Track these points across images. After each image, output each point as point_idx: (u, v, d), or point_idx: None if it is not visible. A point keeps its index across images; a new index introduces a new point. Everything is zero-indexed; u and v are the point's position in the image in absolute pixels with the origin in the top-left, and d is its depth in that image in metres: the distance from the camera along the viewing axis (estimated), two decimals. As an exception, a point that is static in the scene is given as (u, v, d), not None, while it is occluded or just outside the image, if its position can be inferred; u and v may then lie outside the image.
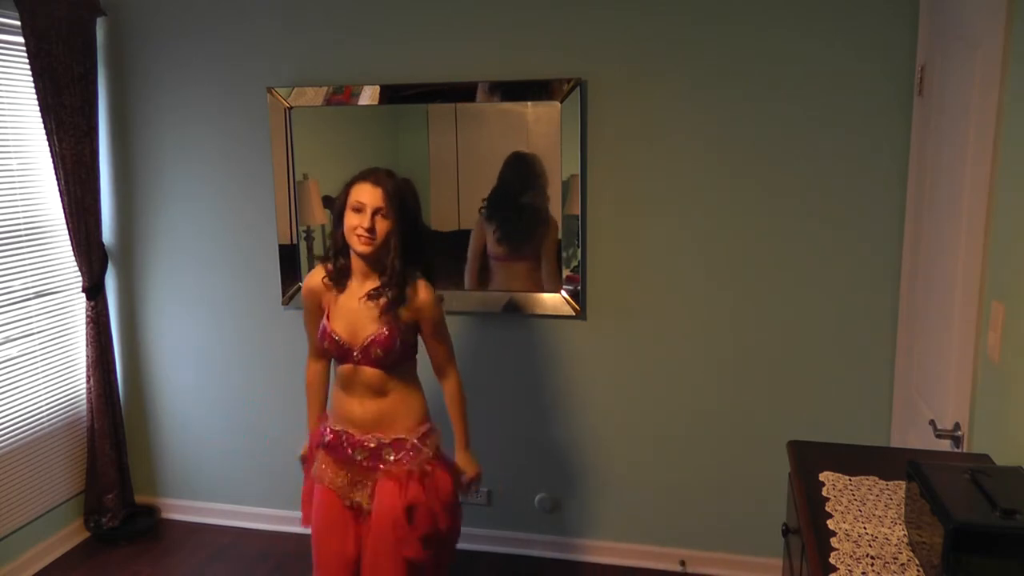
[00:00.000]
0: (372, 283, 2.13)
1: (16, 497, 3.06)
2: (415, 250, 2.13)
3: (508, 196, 2.95)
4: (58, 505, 3.27)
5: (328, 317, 2.17)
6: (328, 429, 2.23)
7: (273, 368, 3.33)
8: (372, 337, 2.11)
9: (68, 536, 3.31)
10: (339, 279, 2.17)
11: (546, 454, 3.11)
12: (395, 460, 2.14)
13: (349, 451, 2.17)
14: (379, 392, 2.16)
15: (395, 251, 2.08)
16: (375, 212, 2.04)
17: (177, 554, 3.27)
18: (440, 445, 2.24)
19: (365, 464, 2.16)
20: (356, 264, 2.14)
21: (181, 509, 3.54)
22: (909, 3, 2.53)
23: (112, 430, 3.33)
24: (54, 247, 3.20)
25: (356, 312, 2.13)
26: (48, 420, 3.21)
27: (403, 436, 2.17)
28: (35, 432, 3.15)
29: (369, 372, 2.14)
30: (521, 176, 2.93)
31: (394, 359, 2.14)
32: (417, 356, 2.25)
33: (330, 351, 2.19)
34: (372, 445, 2.16)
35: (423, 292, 2.14)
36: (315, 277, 2.22)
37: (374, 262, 2.11)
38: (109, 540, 3.33)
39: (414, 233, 2.13)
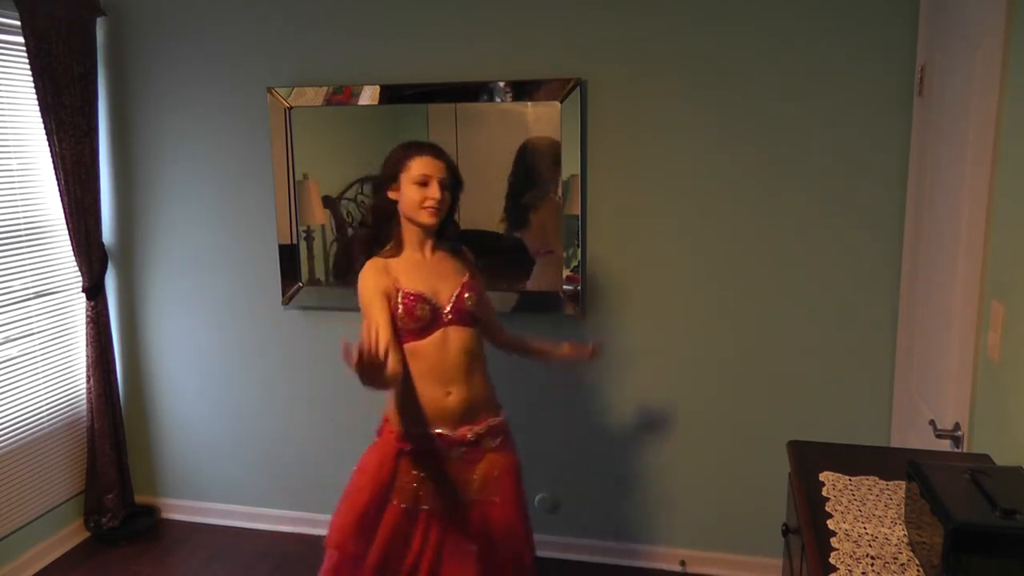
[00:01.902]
0: (430, 253, 2.16)
1: (16, 497, 3.06)
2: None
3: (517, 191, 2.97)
4: (58, 505, 3.27)
5: (402, 289, 2.07)
6: (407, 434, 2.11)
7: (273, 368, 3.33)
8: (460, 288, 2.12)
9: (68, 536, 3.31)
10: (395, 254, 2.15)
11: (546, 454, 3.11)
12: (498, 445, 2.17)
13: (444, 450, 2.11)
14: (470, 367, 2.11)
15: (451, 216, 2.18)
16: (441, 184, 2.07)
17: (177, 554, 3.27)
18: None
19: (465, 458, 2.13)
20: (410, 236, 2.13)
21: (181, 509, 3.54)
22: (909, 3, 2.52)
23: (112, 430, 3.33)
24: (54, 247, 3.20)
25: (428, 274, 2.12)
26: (48, 420, 3.21)
27: (493, 421, 2.17)
28: (35, 432, 3.15)
29: (460, 336, 2.10)
30: (528, 170, 2.93)
31: (480, 310, 2.17)
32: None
33: (421, 318, 2.05)
34: (470, 438, 2.13)
35: (470, 254, 2.26)
36: (378, 266, 2.11)
37: (430, 231, 2.14)
38: (109, 540, 3.33)
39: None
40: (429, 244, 2.15)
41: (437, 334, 2.08)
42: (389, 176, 2.11)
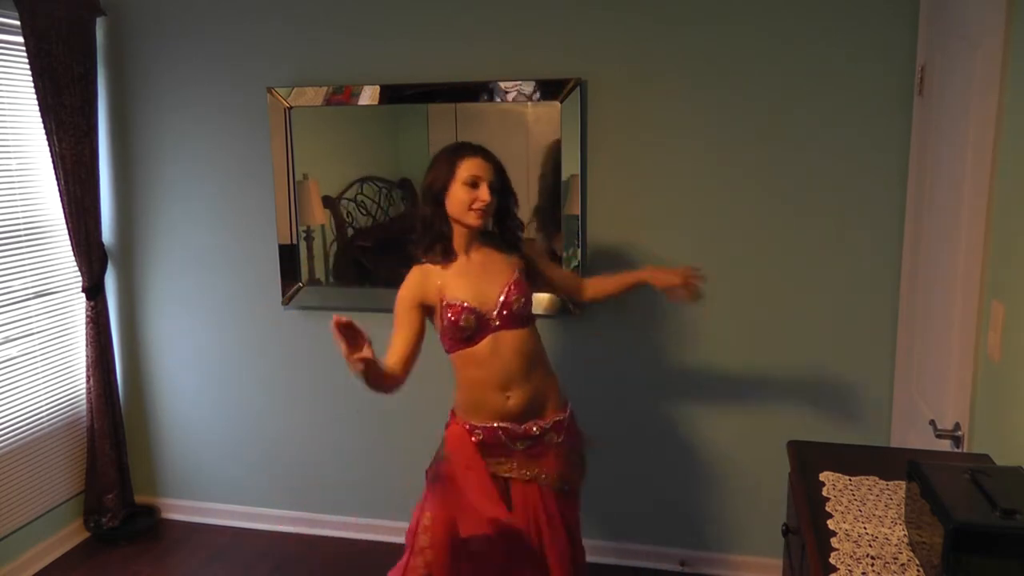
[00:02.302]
0: (476, 253, 2.15)
1: (16, 497, 3.06)
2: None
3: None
4: (58, 505, 3.27)
5: (446, 299, 2.08)
6: (472, 426, 2.15)
7: (273, 368, 3.33)
8: (506, 290, 2.10)
9: (68, 536, 3.31)
10: (446, 259, 2.14)
11: (546, 454, 3.10)
12: (560, 441, 2.18)
13: (509, 442, 2.14)
14: (527, 368, 2.12)
15: (509, 221, 2.20)
16: (491, 186, 2.07)
17: (177, 554, 3.27)
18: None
19: (529, 452, 2.15)
20: (457, 239, 2.13)
21: (181, 509, 3.54)
22: (909, 3, 2.52)
23: (112, 430, 3.33)
24: (54, 247, 3.20)
25: (474, 279, 2.11)
26: (48, 420, 3.21)
27: (559, 417, 2.19)
28: (35, 432, 3.15)
29: (512, 339, 2.09)
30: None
31: (530, 308, 2.16)
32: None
33: (467, 328, 2.07)
34: (535, 431, 2.15)
35: (522, 248, 2.26)
36: (418, 275, 2.13)
37: (476, 233, 2.14)
38: (109, 540, 3.33)
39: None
40: (476, 245, 2.15)
41: (487, 340, 2.08)
42: (442, 185, 2.08)
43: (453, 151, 2.11)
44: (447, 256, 2.12)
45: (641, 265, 2.91)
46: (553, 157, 2.88)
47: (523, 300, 2.12)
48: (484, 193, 2.06)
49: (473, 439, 2.14)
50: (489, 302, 2.08)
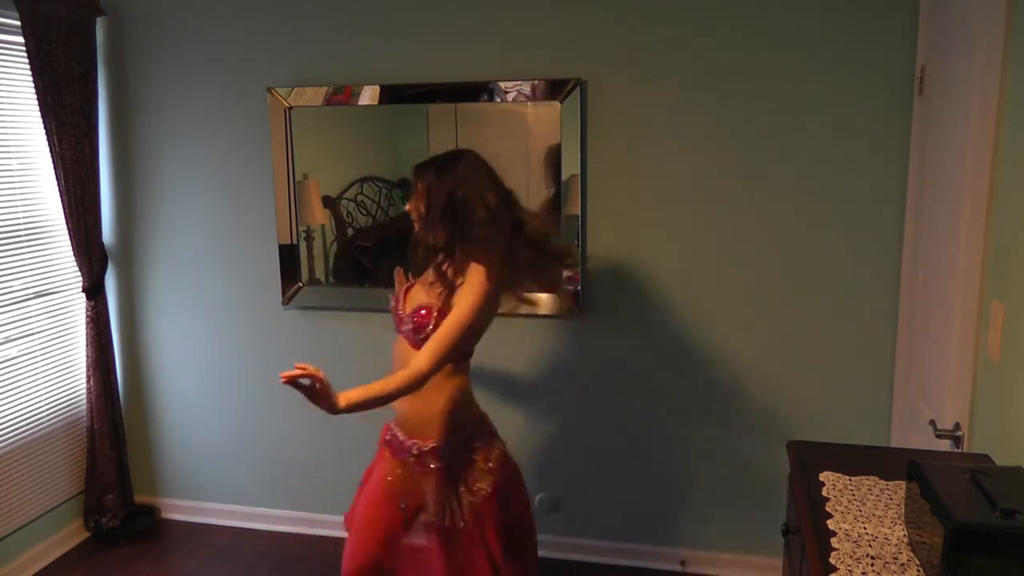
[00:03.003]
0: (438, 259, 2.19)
1: (16, 497, 3.06)
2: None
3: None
4: (58, 505, 3.27)
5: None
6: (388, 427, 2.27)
7: (273, 368, 3.28)
8: (413, 308, 2.14)
9: (68, 536, 3.31)
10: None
11: (546, 454, 3.11)
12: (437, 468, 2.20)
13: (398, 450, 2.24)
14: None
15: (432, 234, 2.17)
16: (406, 197, 2.23)
17: (177, 554, 3.27)
18: None
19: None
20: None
21: (181, 509, 3.54)
22: (909, 3, 2.52)
23: (112, 430, 3.33)
24: (54, 247, 3.20)
25: (420, 286, 2.22)
26: (48, 420, 3.21)
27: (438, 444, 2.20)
28: (35, 432, 3.15)
29: (404, 349, 2.16)
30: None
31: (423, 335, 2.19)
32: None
33: (392, 315, 2.23)
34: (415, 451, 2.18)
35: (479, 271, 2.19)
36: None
37: (428, 246, 2.19)
38: (109, 540, 3.33)
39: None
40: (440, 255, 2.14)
41: (397, 338, 2.19)
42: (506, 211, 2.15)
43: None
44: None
45: (640, 263, 2.91)
46: (553, 157, 2.88)
47: (414, 326, 2.09)
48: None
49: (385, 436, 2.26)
50: (406, 309, 2.15)
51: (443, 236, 2.08)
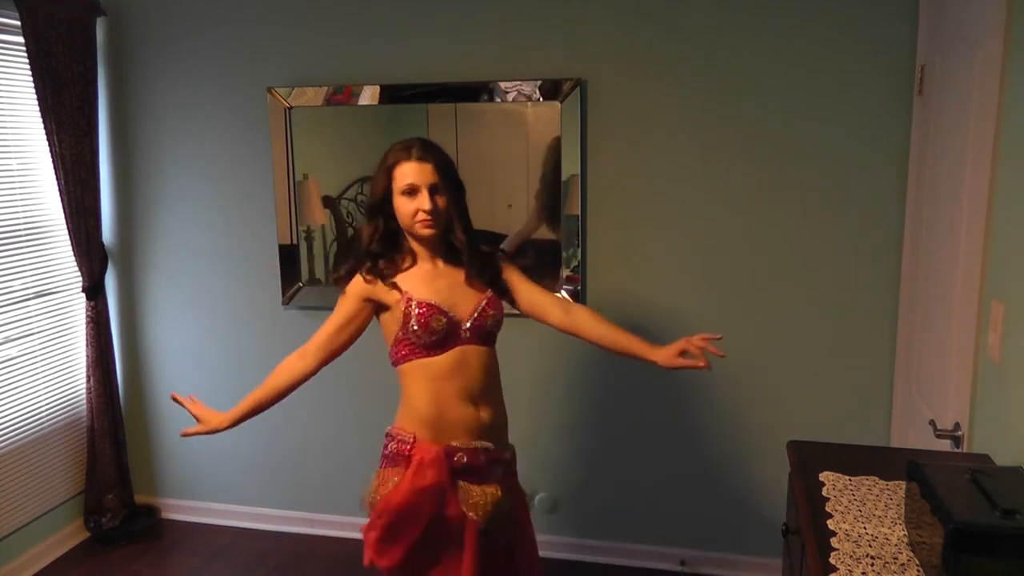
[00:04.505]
0: (441, 262, 1.98)
1: (16, 497, 3.06)
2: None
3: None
4: (58, 505, 3.27)
5: (414, 297, 1.91)
6: (456, 450, 1.93)
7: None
8: (483, 303, 1.96)
9: (68, 536, 3.31)
10: (390, 273, 1.96)
11: (546, 454, 3.11)
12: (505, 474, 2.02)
13: (486, 466, 1.96)
14: (494, 386, 2.00)
15: (458, 225, 1.96)
16: (431, 190, 1.88)
17: (177, 554, 3.27)
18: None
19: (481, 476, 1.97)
20: (418, 249, 1.97)
21: (181, 509, 3.54)
22: (909, 3, 2.53)
23: (112, 430, 3.33)
24: (54, 247, 3.20)
25: (446, 288, 1.95)
26: (48, 420, 3.21)
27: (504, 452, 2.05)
28: (35, 432, 3.15)
29: (478, 353, 1.94)
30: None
31: (499, 329, 2.00)
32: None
33: (437, 331, 1.89)
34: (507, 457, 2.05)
35: (498, 261, 2.07)
36: (361, 280, 1.99)
37: (435, 243, 1.96)
38: (109, 540, 3.33)
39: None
40: (440, 258, 1.99)
41: (454, 351, 1.92)
42: (379, 200, 1.93)
43: (389, 155, 1.93)
44: (412, 260, 1.97)
45: (640, 263, 2.91)
46: (553, 157, 2.88)
47: (497, 317, 1.97)
48: (424, 202, 1.87)
49: (455, 462, 1.92)
50: (461, 312, 1.94)
51: (462, 227, 1.96)
